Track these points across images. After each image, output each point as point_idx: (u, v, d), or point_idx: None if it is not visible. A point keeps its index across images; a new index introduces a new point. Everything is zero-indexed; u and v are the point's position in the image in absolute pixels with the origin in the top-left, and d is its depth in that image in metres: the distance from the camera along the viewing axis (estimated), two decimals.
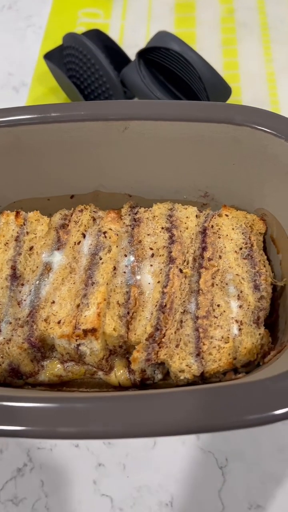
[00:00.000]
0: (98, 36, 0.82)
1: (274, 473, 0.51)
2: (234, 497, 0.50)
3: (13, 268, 0.53)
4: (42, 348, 0.50)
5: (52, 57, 0.81)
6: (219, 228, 0.54)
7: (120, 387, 0.51)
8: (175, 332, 0.48)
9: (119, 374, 0.51)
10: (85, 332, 0.48)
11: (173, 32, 0.91)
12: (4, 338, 0.50)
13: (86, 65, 0.76)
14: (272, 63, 0.85)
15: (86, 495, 0.51)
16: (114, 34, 0.93)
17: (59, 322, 0.49)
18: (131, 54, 0.82)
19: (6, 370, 0.49)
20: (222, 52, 0.87)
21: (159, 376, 0.50)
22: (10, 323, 0.50)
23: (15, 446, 0.53)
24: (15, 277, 0.53)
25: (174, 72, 0.75)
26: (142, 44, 0.87)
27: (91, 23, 0.95)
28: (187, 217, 0.55)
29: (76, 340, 0.48)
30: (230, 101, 0.78)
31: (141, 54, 0.75)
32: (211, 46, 0.88)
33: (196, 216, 0.55)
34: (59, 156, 0.55)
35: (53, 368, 0.51)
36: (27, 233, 0.55)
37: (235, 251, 0.52)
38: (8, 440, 0.54)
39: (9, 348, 0.49)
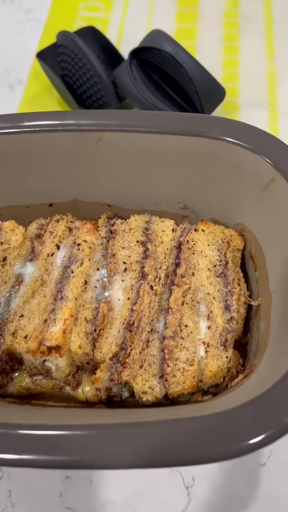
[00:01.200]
0: (92, 34, 0.80)
1: (241, 495, 0.50)
2: None
3: None
4: (9, 362, 0.50)
5: (46, 56, 0.79)
6: (194, 244, 0.52)
7: (87, 403, 0.51)
8: (140, 352, 0.47)
9: (87, 390, 0.50)
10: (49, 349, 0.47)
11: (174, 27, 0.88)
12: None
13: (77, 64, 0.74)
14: (274, 61, 0.81)
15: (51, 507, 0.51)
16: (114, 29, 0.91)
17: (25, 337, 0.49)
18: (130, 50, 0.79)
19: None
20: (223, 48, 0.84)
21: (126, 394, 0.49)
22: None
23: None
24: None
25: (168, 72, 0.72)
26: (141, 40, 0.85)
27: (91, 17, 0.93)
28: (163, 230, 0.54)
29: (41, 356, 0.48)
30: (226, 102, 0.76)
31: (134, 53, 0.73)
32: (211, 42, 0.85)
33: (173, 230, 0.54)
34: (36, 164, 0.55)
35: (22, 381, 0.51)
36: (1, 243, 0.55)
37: (208, 269, 0.51)
38: None
39: None
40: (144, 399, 0.46)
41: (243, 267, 0.54)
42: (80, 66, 0.74)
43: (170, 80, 0.74)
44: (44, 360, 0.48)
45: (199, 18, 0.89)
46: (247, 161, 0.48)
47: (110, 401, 0.50)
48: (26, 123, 0.52)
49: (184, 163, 0.52)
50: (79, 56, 0.73)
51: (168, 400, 0.48)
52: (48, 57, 0.79)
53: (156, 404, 0.47)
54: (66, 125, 0.51)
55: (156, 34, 0.72)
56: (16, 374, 0.51)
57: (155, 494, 0.51)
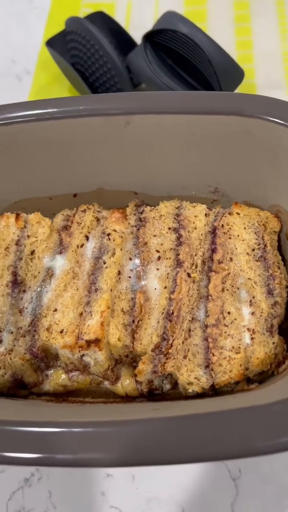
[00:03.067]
0: (102, 19, 0.77)
1: None
2: (248, 510, 0.48)
3: (14, 274, 0.51)
4: (45, 358, 0.48)
5: (55, 43, 0.77)
6: (230, 228, 0.50)
7: (127, 397, 0.49)
8: (182, 342, 0.45)
9: (126, 384, 0.49)
10: (88, 343, 0.45)
11: (182, 11, 0.86)
12: (5, 349, 0.48)
13: (89, 51, 0.72)
14: None
15: (94, 507, 0.49)
16: (120, 15, 0.88)
17: (61, 332, 0.47)
18: (139, 36, 0.77)
19: (9, 381, 0.48)
20: (235, 30, 0.82)
21: (168, 387, 0.47)
22: (12, 332, 0.48)
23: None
24: (16, 283, 0.51)
25: (183, 55, 0.70)
26: (150, 25, 0.82)
27: (96, 4, 0.90)
28: (195, 216, 0.52)
29: (79, 351, 0.46)
30: (243, 84, 0.73)
31: (148, 37, 0.71)
32: (222, 24, 0.83)
33: (206, 214, 0.52)
34: (59, 154, 0.52)
35: (58, 378, 0.49)
36: (28, 236, 0.53)
37: (247, 253, 0.49)
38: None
39: (11, 358, 0.47)
40: (190, 390, 0.44)
41: (279, 249, 0.52)
42: (92, 52, 0.72)
43: (185, 64, 0.72)
44: (82, 355, 0.46)
45: (208, 0, 0.87)
46: (284, 139, 0.46)
47: (151, 394, 0.48)
48: (49, 110, 0.49)
49: (217, 144, 0.50)
50: (91, 42, 0.71)
51: (212, 391, 0.46)
52: (58, 44, 0.77)
53: (200, 395, 0.46)
54: (93, 109, 0.49)
55: (171, 16, 0.69)
56: (52, 371, 0.49)
57: (201, 488, 0.49)
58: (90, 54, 0.72)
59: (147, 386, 0.47)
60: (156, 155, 0.52)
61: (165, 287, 0.48)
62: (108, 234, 0.52)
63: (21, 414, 0.44)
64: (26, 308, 0.50)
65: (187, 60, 0.70)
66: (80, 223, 0.53)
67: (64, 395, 0.50)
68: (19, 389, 0.49)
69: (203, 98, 0.48)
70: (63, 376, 0.49)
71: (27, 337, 0.48)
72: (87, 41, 0.71)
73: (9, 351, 0.48)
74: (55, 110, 0.49)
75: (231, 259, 0.49)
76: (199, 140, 0.50)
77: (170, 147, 0.51)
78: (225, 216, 0.51)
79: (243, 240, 0.49)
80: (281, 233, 0.52)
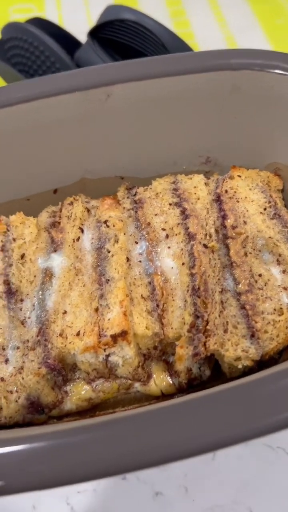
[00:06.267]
0: (40, 24, 0.74)
1: None
2: None
3: (6, 282, 0.44)
4: (62, 370, 0.41)
5: None
6: (235, 192, 0.47)
7: (163, 396, 0.43)
8: (219, 316, 0.40)
9: (159, 381, 0.42)
10: (114, 337, 0.39)
11: None
12: (14, 368, 0.40)
13: (34, 54, 0.68)
14: (227, 27, 0.80)
15: None
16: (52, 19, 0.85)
17: (78, 334, 0.40)
18: (78, 36, 0.75)
19: (24, 406, 0.40)
20: (173, 24, 0.82)
21: (207, 373, 0.42)
22: (18, 348, 0.41)
23: (49, 497, 0.44)
24: (10, 293, 0.43)
25: (133, 47, 0.68)
26: (86, 29, 0.80)
27: (25, 18, 0.87)
28: (195, 187, 0.48)
29: (105, 350, 0.39)
30: None
31: (93, 33, 0.68)
32: (159, 20, 0.83)
33: (205, 184, 0.48)
34: (32, 143, 0.47)
35: (79, 392, 0.42)
36: (14, 239, 0.46)
37: (260, 212, 0.45)
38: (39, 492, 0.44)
39: (23, 378, 0.40)
40: (240, 366, 0.39)
41: None
42: (37, 55, 0.68)
43: (134, 56, 0.69)
44: (108, 355, 0.40)
45: (139, 3, 0.87)
46: (276, 86, 0.44)
47: (190, 386, 0.42)
48: (18, 95, 0.44)
49: (204, 106, 0.47)
50: (35, 44, 0.67)
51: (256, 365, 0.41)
52: None
53: (247, 373, 0.40)
54: (68, 86, 0.44)
55: (114, 8, 0.67)
56: (71, 385, 0.42)
57: (266, 482, 0.43)
58: (35, 58, 0.68)
59: (186, 377, 0.41)
60: (141, 129, 0.48)
61: (183, 264, 0.43)
62: (105, 221, 0.46)
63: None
64: (29, 317, 0.42)
65: (138, 52, 0.68)
66: (70, 217, 0.47)
67: (90, 412, 0.43)
68: (36, 415, 0.41)
69: (185, 57, 0.45)
70: (86, 387, 0.42)
71: (38, 349, 0.41)
72: (29, 44, 0.68)
73: (19, 369, 0.40)
74: (22, 94, 0.44)
75: (245, 222, 0.45)
76: (186, 105, 0.46)
77: (155, 117, 0.47)
78: (226, 181, 0.48)
79: (252, 201, 0.46)
80: (283, 192, 0.49)
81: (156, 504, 0.43)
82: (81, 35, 0.71)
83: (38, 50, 0.67)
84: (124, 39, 0.67)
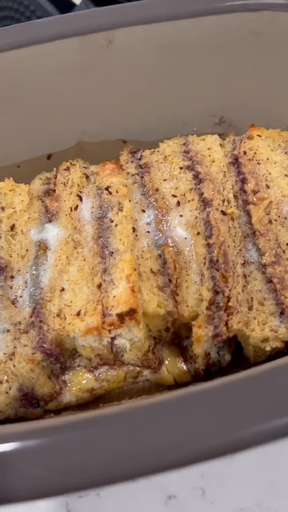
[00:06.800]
0: None
1: None
2: None
3: None
4: (60, 356, 0.35)
5: None
6: (255, 153, 0.41)
7: (177, 385, 0.37)
8: (242, 291, 0.35)
9: (172, 367, 0.37)
10: (121, 317, 0.33)
11: None
12: (4, 354, 0.35)
13: (24, 15, 0.62)
14: None
15: None
16: None
17: (78, 314, 0.35)
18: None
19: (16, 398, 0.34)
20: None
21: (227, 358, 0.37)
22: (8, 330, 0.35)
23: (46, 503, 0.38)
24: None
25: None
26: None
27: None
28: (208, 148, 0.42)
29: (110, 331, 0.34)
30: None
31: None
32: None
33: (220, 145, 0.43)
34: (21, 100, 0.41)
35: (80, 381, 0.36)
36: (3, 208, 0.40)
37: (285, 175, 0.40)
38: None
39: (14, 365, 0.34)
40: (268, 348, 0.33)
41: None
42: (28, 15, 0.62)
43: None
44: (113, 338, 0.34)
45: None
46: None
47: (208, 373, 0.37)
48: (7, 41, 0.38)
49: (218, 56, 0.41)
50: (25, 4, 0.61)
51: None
52: None
53: (272, 357, 0.35)
54: (64, 29, 0.38)
55: None
56: (70, 374, 0.37)
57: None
58: (26, 19, 0.62)
59: (204, 362, 0.35)
60: (147, 83, 0.42)
61: (198, 233, 0.38)
62: (107, 188, 0.40)
63: None
64: (21, 296, 0.37)
65: None
66: (67, 183, 0.42)
67: (92, 404, 0.37)
68: (29, 408, 0.36)
69: None
70: (87, 376, 0.36)
71: (32, 332, 0.35)
72: (19, 4, 0.62)
73: (9, 356, 0.35)
74: (14, 39, 0.38)
75: (267, 186, 0.39)
76: (197, 55, 0.41)
77: (163, 69, 0.41)
78: (245, 142, 0.42)
79: (274, 163, 0.41)
80: None
81: (169, 509, 0.37)
82: None
83: (29, 10, 0.61)
84: None
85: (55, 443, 0.27)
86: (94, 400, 0.37)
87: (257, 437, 0.26)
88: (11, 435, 0.27)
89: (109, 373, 0.37)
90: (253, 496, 0.37)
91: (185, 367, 0.37)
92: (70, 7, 0.66)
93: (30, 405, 0.36)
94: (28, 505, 0.37)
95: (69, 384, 0.36)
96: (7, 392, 0.34)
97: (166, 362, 0.37)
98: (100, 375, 0.37)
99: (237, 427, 0.26)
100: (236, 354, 0.37)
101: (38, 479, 0.26)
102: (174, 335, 0.37)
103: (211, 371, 0.37)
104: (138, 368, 0.37)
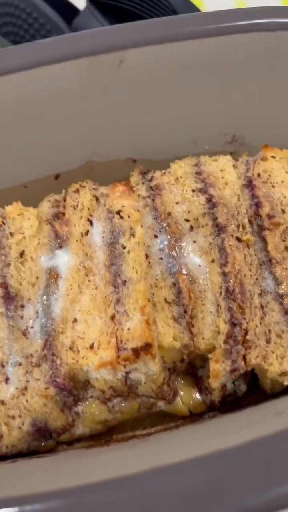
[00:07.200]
0: None
1: None
2: None
3: (4, 285, 0.37)
4: (74, 389, 0.34)
5: None
6: (269, 175, 0.40)
7: (191, 415, 0.37)
8: (260, 323, 0.34)
9: (187, 398, 0.36)
10: (136, 351, 0.33)
11: None
12: (16, 388, 0.34)
13: (26, 22, 0.60)
14: None
15: None
16: None
17: (91, 347, 0.34)
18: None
19: (29, 433, 0.34)
20: None
21: (243, 388, 0.36)
22: (20, 364, 0.35)
23: None
24: (9, 297, 0.37)
25: (138, 13, 0.60)
26: None
27: None
28: (221, 170, 0.41)
29: (125, 366, 0.33)
30: None
31: None
32: None
33: (233, 166, 0.42)
34: (30, 119, 0.40)
35: (93, 413, 0.36)
36: (11, 234, 0.39)
37: None
38: None
39: (27, 400, 0.33)
40: (286, 383, 0.33)
41: None
42: (31, 22, 0.60)
43: None
44: (128, 372, 0.34)
45: None
46: None
47: (224, 403, 0.36)
48: (15, 62, 0.37)
49: (232, 75, 0.40)
50: (28, 10, 0.60)
51: None
52: None
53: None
54: (75, 50, 0.37)
55: None
56: (83, 406, 0.36)
57: None
58: (28, 26, 0.61)
59: (220, 394, 0.35)
60: (157, 102, 0.41)
61: (212, 261, 0.37)
62: (118, 212, 0.39)
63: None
64: (32, 327, 0.36)
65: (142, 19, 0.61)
66: (76, 206, 0.40)
67: (105, 435, 0.37)
68: (42, 441, 0.35)
69: (212, 17, 0.38)
70: (100, 407, 0.36)
71: (45, 366, 0.34)
72: (22, 10, 0.60)
73: (22, 390, 0.34)
74: (22, 60, 0.37)
75: (283, 210, 0.38)
76: (210, 73, 0.40)
77: (174, 88, 0.40)
78: (258, 163, 0.41)
79: None
80: None
81: None
82: (79, 1, 0.64)
83: (32, 17, 0.59)
84: (128, 3, 0.60)
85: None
86: (107, 431, 0.37)
87: None
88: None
89: (123, 404, 0.36)
90: None
91: (200, 398, 0.36)
92: (74, 13, 0.65)
93: (43, 438, 0.35)
94: None
95: (82, 416, 0.36)
96: (20, 427, 0.33)
97: (181, 393, 0.36)
98: (114, 407, 0.36)
99: None
100: (251, 383, 0.36)
101: None
102: (189, 365, 0.36)
103: (227, 401, 0.36)
104: (152, 400, 0.36)
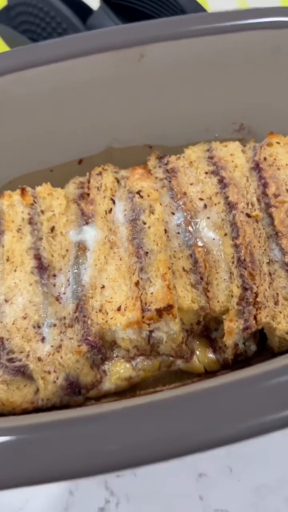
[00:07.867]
0: None
1: None
2: None
3: (37, 257, 0.41)
4: (102, 348, 0.38)
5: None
6: (275, 159, 0.44)
7: (206, 373, 0.41)
8: (268, 287, 0.38)
9: (203, 357, 0.40)
10: (159, 312, 0.37)
11: None
12: (52, 346, 0.38)
13: (44, 20, 0.64)
14: None
15: None
16: None
17: (119, 309, 0.38)
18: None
19: (63, 387, 0.38)
20: None
21: (253, 348, 0.40)
22: (54, 325, 0.39)
23: (88, 482, 0.42)
24: (42, 268, 0.41)
25: (148, 13, 0.64)
26: None
27: None
28: (231, 154, 0.45)
29: (149, 325, 0.37)
30: None
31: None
32: None
33: (242, 151, 0.46)
34: (57, 108, 0.44)
35: (119, 371, 0.40)
36: (42, 212, 0.43)
37: None
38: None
39: (61, 357, 0.37)
40: None
41: None
42: (48, 21, 0.64)
43: None
44: (152, 331, 0.38)
45: None
46: None
47: (236, 362, 0.40)
48: (45, 54, 0.41)
49: (242, 69, 0.44)
50: (45, 9, 0.63)
51: None
52: (2, 21, 0.68)
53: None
54: (99, 45, 0.41)
55: None
56: (109, 364, 0.40)
57: None
58: (46, 24, 0.64)
59: (233, 352, 0.39)
60: (174, 93, 0.45)
61: (225, 234, 0.41)
62: (138, 192, 0.43)
63: None
64: (64, 293, 0.40)
65: (151, 18, 0.65)
66: (100, 187, 0.45)
67: (130, 392, 0.41)
68: (73, 396, 0.39)
69: (224, 16, 0.42)
70: (126, 365, 0.40)
71: (77, 326, 0.38)
72: (39, 9, 0.64)
73: (57, 348, 0.38)
74: (52, 52, 0.41)
75: (287, 190, 0.43)
76: (223, 67, 0.44)
77: (189, 80, 0.44)
78: (264, 148, 0.45)
79: None
80: None
81: (200, 485, 0.41)
82: (92, 2, 0.68)
83: (49, 15, 0.63)
84: (140, 4, 0.64)
85: (99, 429, 0.30)
86: (131, 388, 0.41)
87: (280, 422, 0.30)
88: (59, 422, 0.30)
89: (145, 362, 0.40)
90: (276, 473, 0.41)
91: (214, 357, 0.40)
92: (89, 12, 0.69)
93: (74, 393, 0.39)
94: (73, 482, 0.40)
95: (109, 373, 0.40)
96: (54, 382, 0.37)
97: (197, 352, 0.40)
98: (137, 365, 0.40)
99: (261, 413, 0.29)
100: (260, 345, 0.41)
101: (81, 459, 0.29)
102: (204, 328, 0.41)
103: (238, 360, 0.40)
104: (171, 358, 0.40)
